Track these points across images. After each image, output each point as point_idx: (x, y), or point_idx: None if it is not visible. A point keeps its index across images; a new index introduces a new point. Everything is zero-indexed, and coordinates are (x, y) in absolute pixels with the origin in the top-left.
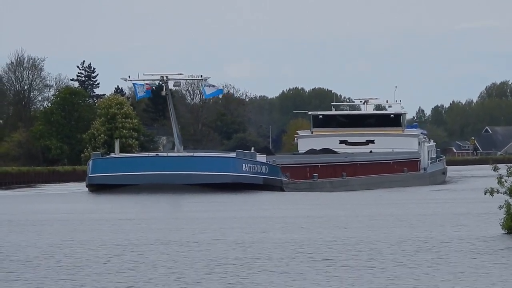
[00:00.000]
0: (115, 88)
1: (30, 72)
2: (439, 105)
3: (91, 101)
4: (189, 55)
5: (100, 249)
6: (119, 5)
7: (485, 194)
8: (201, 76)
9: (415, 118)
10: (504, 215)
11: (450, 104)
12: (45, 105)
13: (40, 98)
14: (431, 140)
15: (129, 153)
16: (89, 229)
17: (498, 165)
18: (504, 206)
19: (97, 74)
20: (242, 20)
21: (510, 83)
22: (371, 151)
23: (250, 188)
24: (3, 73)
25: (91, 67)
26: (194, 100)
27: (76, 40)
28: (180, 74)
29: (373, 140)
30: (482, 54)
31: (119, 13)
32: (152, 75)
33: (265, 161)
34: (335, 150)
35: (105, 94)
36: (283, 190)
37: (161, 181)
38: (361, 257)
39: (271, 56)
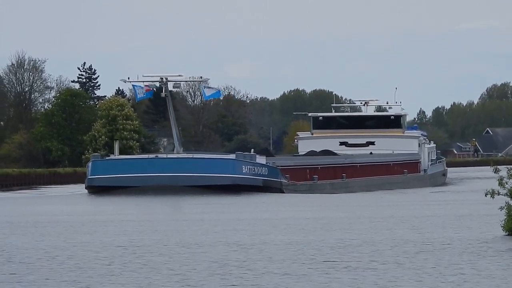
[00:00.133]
0: (116, 89)
1: (31, 74)
2: (440, 106)
3: (92, 102)
4: (189, 55)
5: (102, 251)
6: (119, 5)
7: (485, 196)
8: (201, 77)
9: (416, 119)
10: (505, 217)
11: (451, 105)
12: (46, 106)
13: (41, 100)
14: (431, 141)
15: (130, 154)
16: (90, 231)
17: (498, 167)
18: (505, 207)
19: (98, 76)
20: (242, 20)
21: (511, 84)
22: (371, 153)
23: (250, 190)
24: (4, 74)
25: (92, 68)
26: (195, 101)
27: (76, 40)
28: (179, 75)
29: (373, 142)
30: (482, 54)
31: (119, 13)
32: (151, 76)
33: (264, 163)
34: (335, 151)
35: (106, 96)
36: (283, 192)
37: (161, 183)
38: (363, 258)
39: (271, 56)
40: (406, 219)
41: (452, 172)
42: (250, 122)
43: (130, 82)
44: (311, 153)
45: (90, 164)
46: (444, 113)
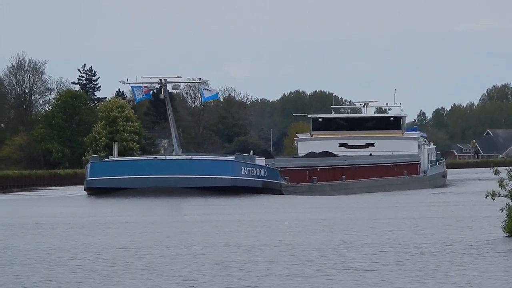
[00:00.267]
0: (116, 91)
1: (31, 75)
2: (440, 108)
3: (92, 104)
4: (189, 55)
5: (104, 253)
6: (119, 5)
7: (486, 197)
8: (200, 79)
9: (416, 121)
10: (506, 218)
11: (451, 107)
12: (46, 108)
13: (41, 102)
14: (431, 143)
15: (130, 156)
16: (91, 233)
17: (498, 168)
18: (506, 209)
19: (98, 78)
20: (242, 20)
21: (511, 85)
22: (370, 154)
23: (249, 191)
24: (4, 76)
25: (92, 70)
26: (195, 103)
27: (76, 40)
28: (178, 77)
29: (373, 143)
30: (482, 54)
31: (119, 13)
32: (150, 78)
33: (264, 164)
34: (334, 153)
35: (106, 98)
36: (282, 194)
37: (160, 185)
38: (364, 260)
39: (271, 56)
40: (406, 220)
41: (453, 174)
42: (250, 124)
43: (128, 83)
44: (311, 155)
45: (88, 165)
46: (444, 114)
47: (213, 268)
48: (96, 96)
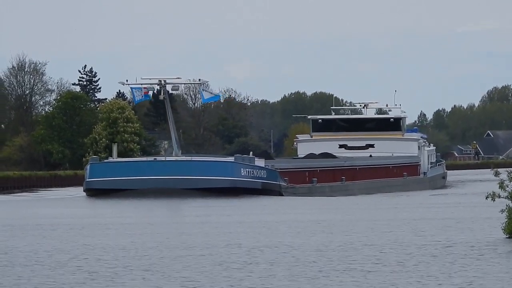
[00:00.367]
0: (117, 92)
1: (31, 76)
2: (440, 109)
3: (92, 105)
4: (189, 55)
5: (105, 254)
6: (119, 5)
7: (486, 198)
8: (199, 80)
9: (417, 122)
10: (506, 220)
11: (452, 108)
12: (46, 109)
13: (41, 103)
14: (431, 144)
15: (131, 157)
16: (91, 234)
17: (499, 169)
18: (506, 210)
19: (99, 79)
20: (242, 20)
21: (511, 87)
22: (370, 156)
23: (248, 192)
24: (5, 77)
25: (93, 71)
26: (196, 104)
27: (76, 41)
28: (178, 78)
29: (373, 144)
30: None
31: (119, 13)
32: (149, 79)
33: (263, 166)
34: (334, 154)
35: (106, 99)
36: (282, 195)
37: (160, 186)
38: (365, 261)
39: (271, 56)
40: (406, 221)
41: (453, 175)
42: (250, 125)
43: (128, 84)
44: (310, 156)
45: (88, 167)
46: (445, 116)
47: (214, 269)
48: (96, 97)
